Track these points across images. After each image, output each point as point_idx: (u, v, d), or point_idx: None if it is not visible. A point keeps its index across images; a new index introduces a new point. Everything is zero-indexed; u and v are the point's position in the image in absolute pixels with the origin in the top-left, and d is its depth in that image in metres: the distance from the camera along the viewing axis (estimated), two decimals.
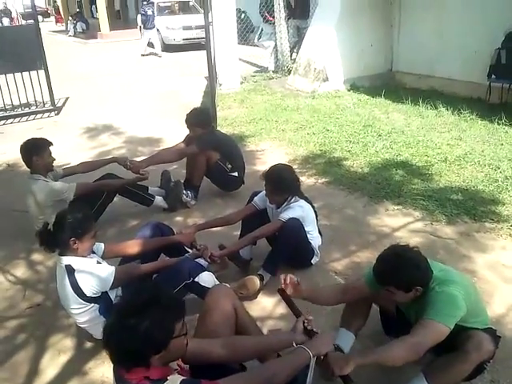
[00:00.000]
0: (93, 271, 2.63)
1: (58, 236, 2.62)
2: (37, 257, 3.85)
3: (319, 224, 3.59)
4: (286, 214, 3.24)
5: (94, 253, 2.83)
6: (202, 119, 4.54)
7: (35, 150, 3.82)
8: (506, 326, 2.78)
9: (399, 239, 3.74)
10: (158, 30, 15.77)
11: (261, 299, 3.19)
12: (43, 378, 2.63)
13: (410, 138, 6.02)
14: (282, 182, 3.29)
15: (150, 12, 15.38)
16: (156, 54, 15.50)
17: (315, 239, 3.43)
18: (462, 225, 3.97)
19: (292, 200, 3.32)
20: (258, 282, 3.18)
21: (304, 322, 2.11)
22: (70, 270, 2.59)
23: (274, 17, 10.00)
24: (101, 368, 2.68)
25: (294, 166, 5.39)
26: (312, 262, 3.47)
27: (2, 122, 8.04)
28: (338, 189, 4.84)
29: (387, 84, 8.86)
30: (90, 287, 2.58)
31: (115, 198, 4.60)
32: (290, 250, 3.23)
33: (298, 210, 3.27)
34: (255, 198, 3.52)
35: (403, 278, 2.19)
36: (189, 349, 1.86)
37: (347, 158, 5.59)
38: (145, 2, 16.27)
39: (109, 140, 6.93)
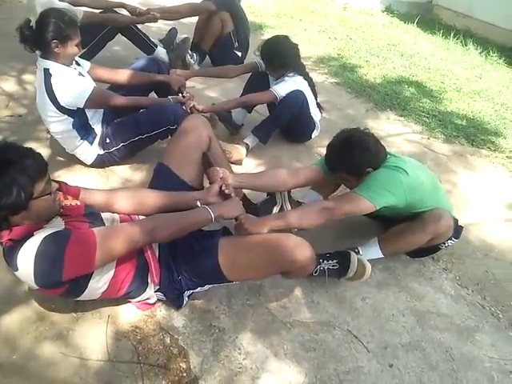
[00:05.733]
0: (70, 80, 2.51)
1: (40, 35, 2.44)
2: (28, 77, 3.75)
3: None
4: (279, 87, 3.13)
5: (78, 65, 2.72)
6: None
7: None
8: (471, 231, 2.81)
9: (392, 144, 3.70)
10: None
11: (244, 163, 3.16)
12: None
13: (430, 64, 5.81)
14: (276, 57, 3.12)
15: None
16: None
17: (315, 113, 3.36)
18: (458, 146, 3.91)
19: (290, 75, 3.18)
20: (244, 153, 3.12)
21: (222, 186, 2.03)
22: (48, 75, 2.47)
23: None
24: (68, 177, 2.69)
25: (307, 63, 5.24)
26: (312, 135, 3.44)
27: None
28: (346, 91, 4.70)
29: (423, 15, 8.42)
30: (64, 96, 2.47)
31: (117, 47, 4.46)
32: (286, 120, 3.15)
33: (292, 84, 3.13)
34: (257, 58, 3.38)
35: (352, 163, 2.13)
36: (91, 201, 1.81)
37: (363, 66, 5.40)
38: None
39: None
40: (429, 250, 2.37)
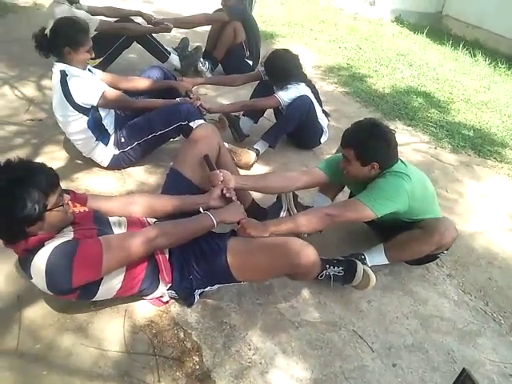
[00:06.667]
0: (84, 79, 2.68)
1: (53, 42, 2.64)
2: (47, 82, 3.88)
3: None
4: (283, 93, 3.27)
5: (90, 72, 2.85)
6: None
7: None
8: (476, 239, 2.88)
9: (400, 153, 3.76)
10: None
11: (253, 169, 3.26)
12: None
13: (439, 75, 5.89)
14: (278, 71, 3.27)
15: None
16: None
17: (322, 118, 3.48)
18: (465, 156, 3.98)
19: (292, 83, 3.30)
20: (254, 157, 3.22)
21: (223, 190, 2.11)
22: (64, 75, 2.63)
23: None
24: (86, 179, 2.80)
25: (317, 72, 5.39)
26: (321, 140, 3.56)
27: None
28: (354, 100, 4.79)
29: (432, 25, 8.53)
30: (79, 94, 2.62)
31: (132, 54, 4.58)
32: (294, 124, 3.26)
33: (295, 90, 3.27)
34: (261, 68, 3.50)
35: (366, 146, 2.12)
36: (97, 208, 1.91)
37: (372, 76, 5.50)
38: None
39: (137, 6, 6.69)
40: (427, 258, 2.41)
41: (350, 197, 2.69)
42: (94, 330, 1.86)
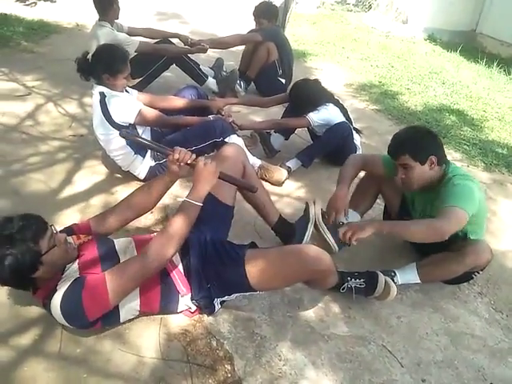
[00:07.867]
0: (122, 99, 2.84)
1: (93, 67, 2.83)
2: (88, 100, 4.06)
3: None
4: (313, 114, 3.37)
5: (127, 92, 3.02)
6: (269, 10, 4.57)
7: None
8: (509, 258, 2.86)
9: None
10: None
11: (284, 185, 3.34)
12: (74, 188, 2.90)
13: (473, 92, 5.86)
14: (303, 102, 3.38)
15: None
16: None
17: (356, 138, 3.56)
18: (498, 175, 3.95)
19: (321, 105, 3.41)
20: (285, 175, 3.30)
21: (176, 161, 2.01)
22: (103, 96, 2.80)
23: None
24: (125, 193, 2.87)
25: (349, 90, 5.45)
26: None
27: None
28: (386, 118, 4.83)
29: (466, 43, 8.46)
30: (117, 113, 2.77)
31: (169, 73, 4.76)
32: (330, 148, 3.38)
33: (325, 111, 3.38)
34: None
35: (419, 143, 2.19)
36: (103, 228, 2.02)
37: (404, 94, 5.52)
38: None
39: (174, 27, 6.96)
40: (461, 278, 2.42)
41: (384, 212, 2.76)
42: (131, 337, 1.94)
